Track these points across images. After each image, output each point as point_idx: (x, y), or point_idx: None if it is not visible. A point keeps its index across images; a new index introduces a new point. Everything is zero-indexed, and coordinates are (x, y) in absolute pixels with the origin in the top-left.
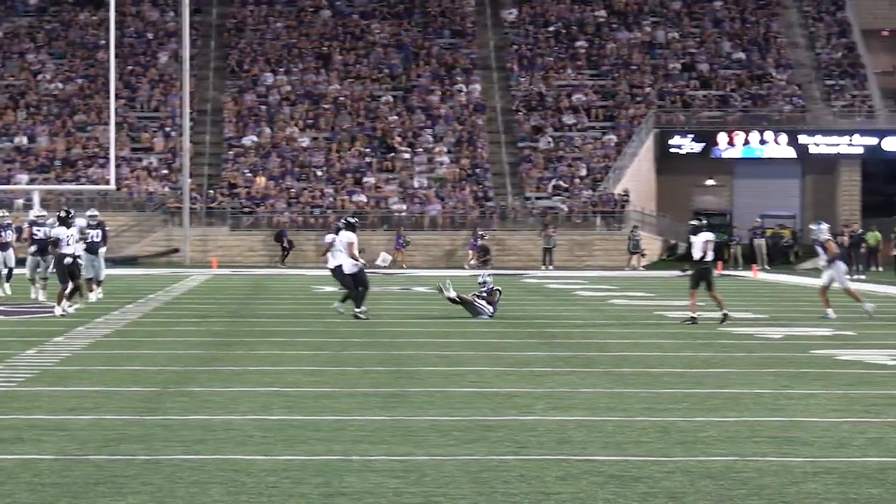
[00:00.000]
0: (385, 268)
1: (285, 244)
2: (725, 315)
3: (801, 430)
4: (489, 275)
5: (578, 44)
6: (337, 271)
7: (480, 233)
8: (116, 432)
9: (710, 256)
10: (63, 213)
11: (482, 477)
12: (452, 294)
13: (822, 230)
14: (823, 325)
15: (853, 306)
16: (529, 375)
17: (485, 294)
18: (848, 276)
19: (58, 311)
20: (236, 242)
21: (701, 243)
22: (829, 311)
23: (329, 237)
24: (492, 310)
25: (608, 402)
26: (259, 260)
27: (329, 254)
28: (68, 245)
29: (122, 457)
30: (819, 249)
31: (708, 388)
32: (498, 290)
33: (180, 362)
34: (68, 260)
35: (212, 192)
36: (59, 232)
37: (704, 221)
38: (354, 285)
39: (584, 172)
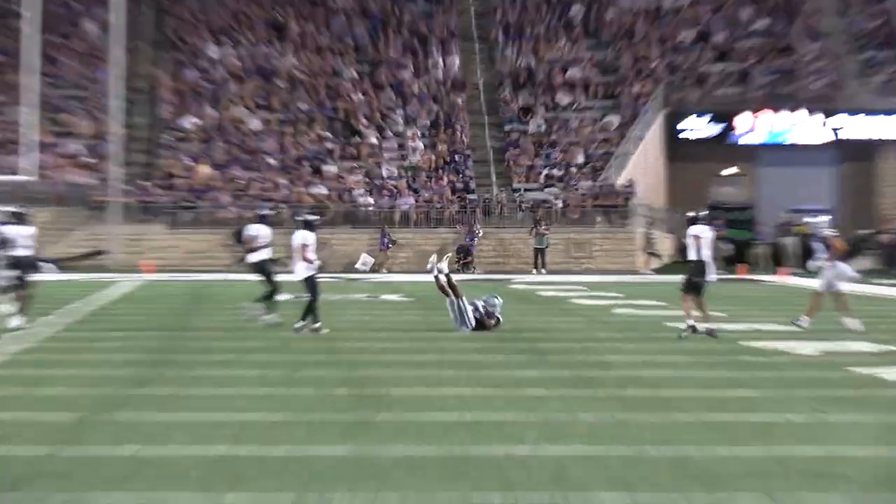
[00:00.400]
0: (366, 272)
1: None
2: (693, 329)
3: (840, 463)
4: (498, 300)
5: (574, 10)
6: (260, 265)
7: (476, 229)
8: (29, 469)
9: (704, 256)
10: (18, 210)
11: None
12: (444, 269)
13: (822, 224)
14: (864, 338)
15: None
16: (520, 399)
17: (480, 312)
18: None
19: (15, 322)
20: (174, 242)
21: (690, 238)
22: (804, 318)
23: (252, 229)
24: (473, 326)
25: (612, 430)
26: (203, 263)
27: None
28: (24, 247)
29: (35, 497)
30: (819, 246)
31: (730, 413)
32: (498, 318)
33: (106, 384)
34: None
35: (147, 183)
36: (11, 231)
37: (703, 213)
38: (310, 292)
39: (581, 160)
